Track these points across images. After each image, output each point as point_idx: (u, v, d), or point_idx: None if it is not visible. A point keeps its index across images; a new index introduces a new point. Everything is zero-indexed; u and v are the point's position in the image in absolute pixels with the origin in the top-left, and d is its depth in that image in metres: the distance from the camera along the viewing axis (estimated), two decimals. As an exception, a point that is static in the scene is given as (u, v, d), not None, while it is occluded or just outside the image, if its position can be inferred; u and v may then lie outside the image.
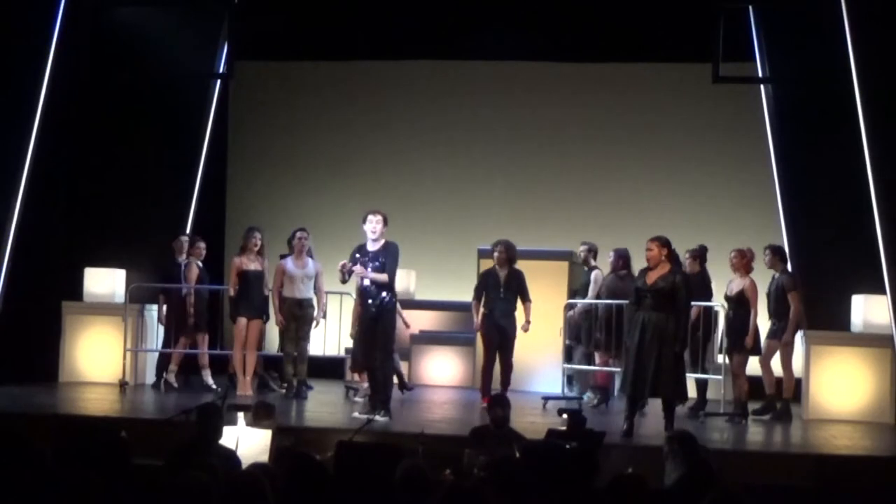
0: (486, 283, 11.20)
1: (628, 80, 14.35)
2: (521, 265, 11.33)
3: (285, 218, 13.44)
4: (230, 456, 6.10)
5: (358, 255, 9.59)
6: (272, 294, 11.34)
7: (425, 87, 14.81)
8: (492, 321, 11.08)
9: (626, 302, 9.82)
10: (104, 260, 12.22)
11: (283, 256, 11.56)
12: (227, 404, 7.50)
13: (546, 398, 11.23)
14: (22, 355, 11.64)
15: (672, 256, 9.23)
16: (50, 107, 11.65)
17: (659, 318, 9.04)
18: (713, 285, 11.38)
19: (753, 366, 12.94)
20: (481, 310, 11.14)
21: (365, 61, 14.70)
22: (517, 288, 11.15)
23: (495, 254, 11.18)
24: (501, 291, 11.09)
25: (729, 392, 11.03)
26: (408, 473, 4.80)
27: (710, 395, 11.21)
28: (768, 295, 10.90)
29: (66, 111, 12.01)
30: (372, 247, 9.58)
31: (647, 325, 9.06)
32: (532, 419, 9.93)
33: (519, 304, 11.16)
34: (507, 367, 11.10)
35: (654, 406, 9.75)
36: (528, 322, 11.17)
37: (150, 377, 12.03)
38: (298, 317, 11.21)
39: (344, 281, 9.73)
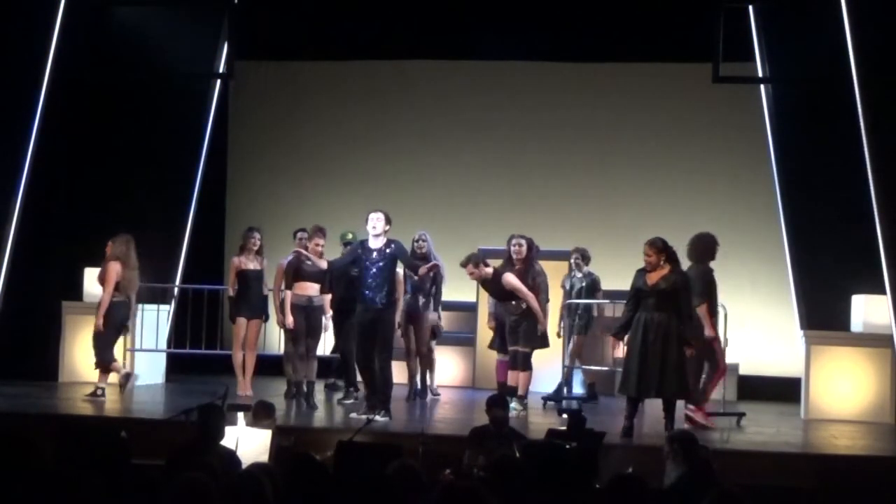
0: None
1: (628, 80, 14.33)
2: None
3: (285, 218, 13.43)
4: (230, 456, 6.10)
5: (360, 252, 9.59)
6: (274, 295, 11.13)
7: (425, 87, 14.79)
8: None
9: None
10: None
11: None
12: (227, 404, 7.51)
13: (546, 398, 11.23)
14: (22, 355, 11.66)
15: (670, 257, 9.22)
16: (50, 106, 11.66)
17: (662, 318, 9.04)
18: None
19: (750, 365, 13.00)
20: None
21: (365, 61, 14.68)
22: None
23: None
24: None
25: (730, 392, 11.04)
26: (398, 473, 4.78)
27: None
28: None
29: (66, 111, 12.01)
30: (374, 244, 9.56)
31: (650, 326, 9.06)
32: (532, 419, 9.93)
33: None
34: None
35: (655, 406, 9.73)
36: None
37: (151, 378, 12.02)
38: None
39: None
